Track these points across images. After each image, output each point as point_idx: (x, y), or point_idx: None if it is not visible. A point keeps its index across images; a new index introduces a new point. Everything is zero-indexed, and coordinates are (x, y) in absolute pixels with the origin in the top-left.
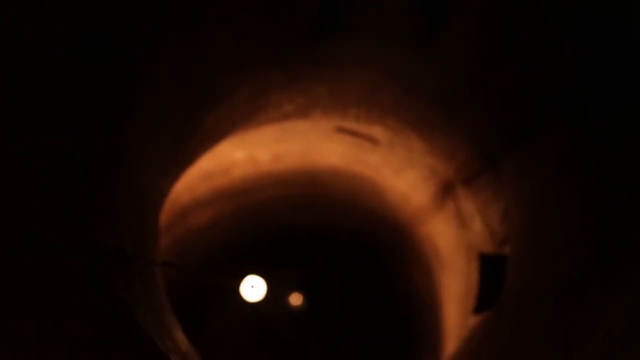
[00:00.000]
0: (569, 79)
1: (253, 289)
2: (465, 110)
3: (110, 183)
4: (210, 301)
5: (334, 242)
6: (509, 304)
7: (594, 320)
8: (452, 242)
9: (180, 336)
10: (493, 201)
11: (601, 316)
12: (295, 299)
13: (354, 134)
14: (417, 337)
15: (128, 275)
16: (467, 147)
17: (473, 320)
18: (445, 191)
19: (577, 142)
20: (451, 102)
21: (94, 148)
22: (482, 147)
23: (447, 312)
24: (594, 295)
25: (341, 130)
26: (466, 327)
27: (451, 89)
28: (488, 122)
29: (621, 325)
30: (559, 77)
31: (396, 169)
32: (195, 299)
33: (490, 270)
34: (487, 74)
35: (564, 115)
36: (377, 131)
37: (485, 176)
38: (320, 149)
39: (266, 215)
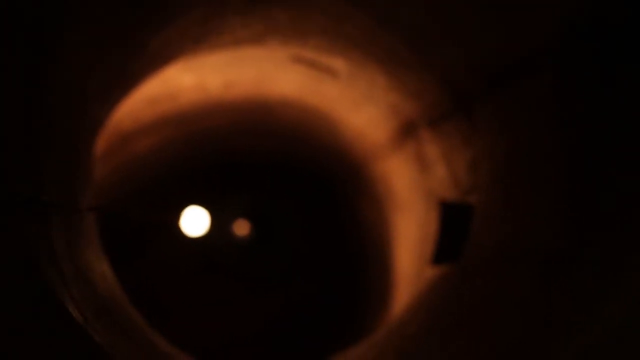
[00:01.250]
0: (568, 23)
1: (195, 221)
2: (442, 48)
3: (31, 118)
4: (150, 234)
5: (285, 171)
6: (476, 262)
7: (586, 304)
8: (410, 185)
9: (110, 291)
10: (461, 148)
11: (595, 300)
12: (242, 227)
13: (312, 64)
14: (366, 275)
15: (46, 229)
16: (438, 88)
17: (430, 272)
18: (407, 131)
19: (566, 93)
20: (428, 40)
21: (13, 75)
22: (455, 88)
23: (400, 257)
24: (585, 273)
25: (298, 60)
26: (422, 279)
27: (430, 25)
28: (466, 62)
29: (619, 312)
30: (557, 19)
31: (354, 104)
32: (133, 235)
33: (452, 219)
34: (471, 9)
35: (555, 61)
36: (338, 63)
37: (454, 120)
38: (274, 78)
39: (215, 142)
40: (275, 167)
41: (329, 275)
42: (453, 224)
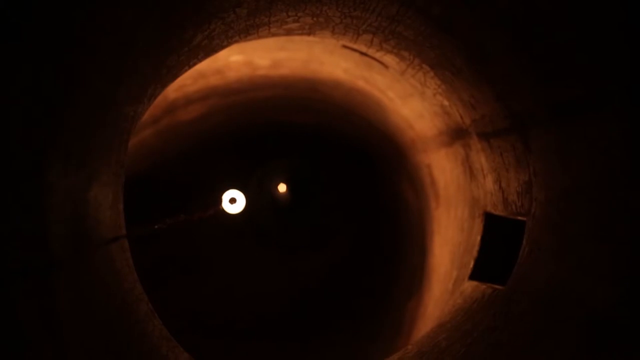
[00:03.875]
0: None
1: (234, 203)
2: (502, 64)
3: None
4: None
5: (328, 145)
6: (521, 304)
7: None
8: (455, 186)
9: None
10: (514, 168)
11: None
12: (281, 193)
13: (363, 54)
14: (400, 257)
15: (44, 290)
16: (494, 103)
17: (469, 287)
18: (456, 135)
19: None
20: (487, 53)
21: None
22: (513, 107)
23: (438, 253)
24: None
25: (349, 48)
26: (460, 292)
27: (492, 40)
28: (528, 86)
29: None
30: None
31: (404, 96)
32: (175, 193)
33: (498, 235)
34: (543, 28)
35: (631, 101)
36: (389, 60)
37: (509, 138)
38: (324, 61)
39: (261, 113)
40: (319, 140)
41: (363, 249)
42: (500, 241)
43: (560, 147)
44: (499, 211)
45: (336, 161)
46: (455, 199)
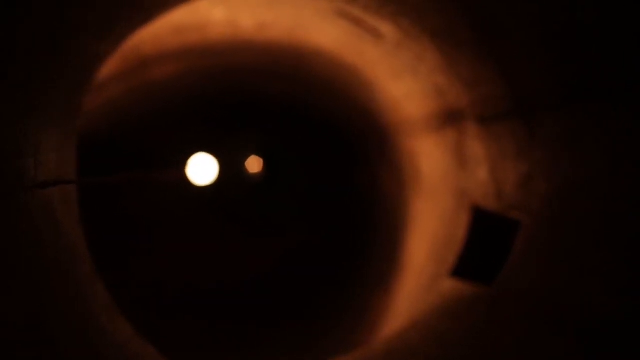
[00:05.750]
0: None
1: (203, 170)
2: (513, 38)
3: None
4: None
5: (308, 121)
6: (512, 303)
7: None
8: (441, 175)
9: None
10: (514, 157)
11: None
12: (254, 166)
13: (356, 22)
14: (372, 244)
15: None
16: (499, 82)
17: (448, 285)
18: (449, 118)
19: None
20: (498, 26)
21: None
22: (520, 88)
23: (415, 246)
24: None
25: (342, 15)
26: (438, 291)
27: (504, 8)
28: (542, 63)
29: None
30: None
31: (395, 72)
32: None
33: (488, 232)
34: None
35: None
36: (386, 28)
37: (511, 122)
38: (313, 28)
39: (239, 79)
40: (299, 114)
41: (335, 231)
42: (488, 238)
43: (570, 135)
44: (491, 204)
45: (316, 140)
46: (441, 191)
